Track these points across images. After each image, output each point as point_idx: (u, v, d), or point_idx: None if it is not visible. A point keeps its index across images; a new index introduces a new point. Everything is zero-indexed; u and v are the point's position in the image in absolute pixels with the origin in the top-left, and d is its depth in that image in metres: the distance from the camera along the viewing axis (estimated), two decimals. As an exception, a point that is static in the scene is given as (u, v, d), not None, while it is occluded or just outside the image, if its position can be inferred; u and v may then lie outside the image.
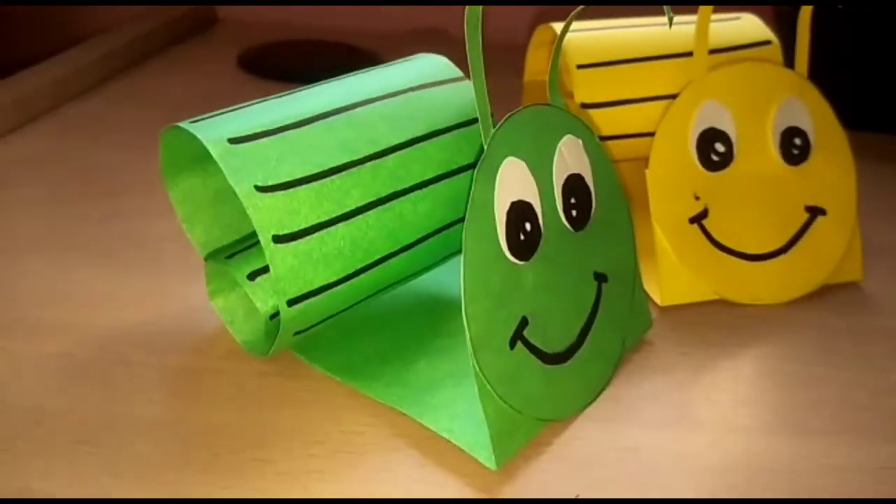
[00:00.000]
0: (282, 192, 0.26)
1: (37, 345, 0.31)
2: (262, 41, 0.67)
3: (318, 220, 0.27)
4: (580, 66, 0.39)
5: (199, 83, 0.60)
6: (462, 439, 0.26)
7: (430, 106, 0.30)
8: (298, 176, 0.27)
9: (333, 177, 0.27)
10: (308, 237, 0.26)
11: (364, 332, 0.32)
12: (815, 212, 0.37)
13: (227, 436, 0.27)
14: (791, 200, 0.37)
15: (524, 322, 0.27)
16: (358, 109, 0.29)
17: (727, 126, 0.36)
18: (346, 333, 0.31)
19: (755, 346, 0.33)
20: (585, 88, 0.39)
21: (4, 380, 0.29)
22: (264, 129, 0.27)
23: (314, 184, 0.27)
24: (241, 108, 0.28)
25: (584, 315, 0.29)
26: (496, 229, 0.26)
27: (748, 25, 0.42)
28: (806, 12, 0.37)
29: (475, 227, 0.25)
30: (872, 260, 0.39)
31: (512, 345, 0.26)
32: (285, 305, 0.26)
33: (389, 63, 0.33)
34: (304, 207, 0.26)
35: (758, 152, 0.36)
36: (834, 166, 0.38)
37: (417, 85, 0.31)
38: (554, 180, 0.28)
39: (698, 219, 0.36)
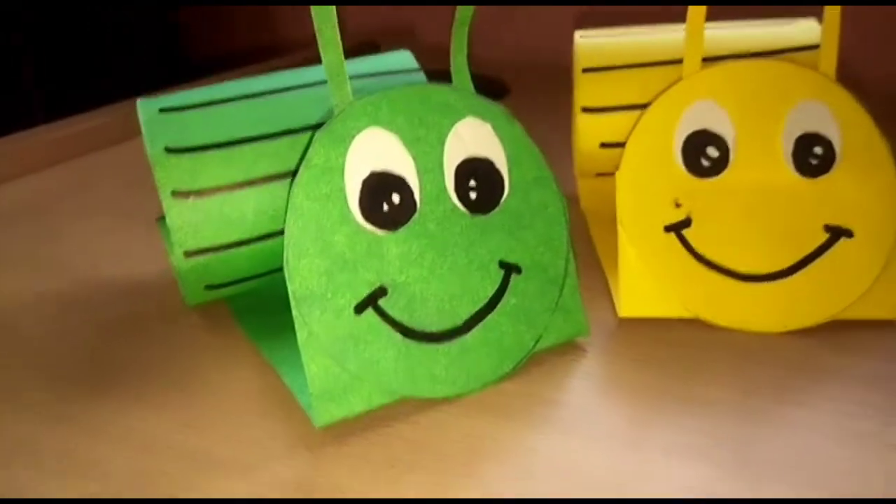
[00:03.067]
0: (188, 155, 0.29)
1: (46, 284, 0.37)
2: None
3: (221, 183, 0.29)
4: (585, 70, 0.37)
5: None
6: (302, 394, 0.27)
7: (368, 91, 0.32)
8: (208, 142, 0.30)
9: (244, 146, 0.30)
10: (208, 196, 0.29)
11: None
12: (837, 232, 0.32)
13: (129, 370, 0.30)
14: (805, 217, 0.32)
15: (381, 291, 0.27)
16: (293, 92, 0.32)
17: (724, 129, 0.33)
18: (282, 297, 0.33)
19: (703, 372, 0.29)
20: (586, 92, 0.37)
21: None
22: (197, 102, 0.31)
23: (222, 150, 0.30)
24: (201, 88, 0.32)
25: (478, 301, 0.28)
26: (344, 194, 0.26)
27: (795, 30, 0.37)
28: (833, 11, 0.32)
29: (310, 187, 0.26)
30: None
31: (359, 310, 0.26)
32: (181, 256, 0.29)
33: (359, 58, 0.35)
34: (208, 169, 0.29)
35: (762, 160, 0.32)
36: (868, 182, 0.32)
37: (367, 73, 0.33)
38: (445, 159, 0.28)
39: (678, 227, 0.32)
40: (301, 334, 0.26)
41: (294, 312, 0.25)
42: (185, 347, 0.31)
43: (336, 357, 0.26)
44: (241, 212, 0.30)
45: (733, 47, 0.36)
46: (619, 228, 0.33)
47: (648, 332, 0.32)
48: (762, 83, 0.33)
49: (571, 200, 0.31)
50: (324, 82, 0.32)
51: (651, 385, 0.29)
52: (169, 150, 0.29)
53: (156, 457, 0.26)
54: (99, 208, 0.46)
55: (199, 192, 0.29)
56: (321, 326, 0.26)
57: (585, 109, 0.37)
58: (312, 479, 0.24)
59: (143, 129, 0.30)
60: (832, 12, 0.32)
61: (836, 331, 0.31)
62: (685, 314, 0.32)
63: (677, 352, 0.30)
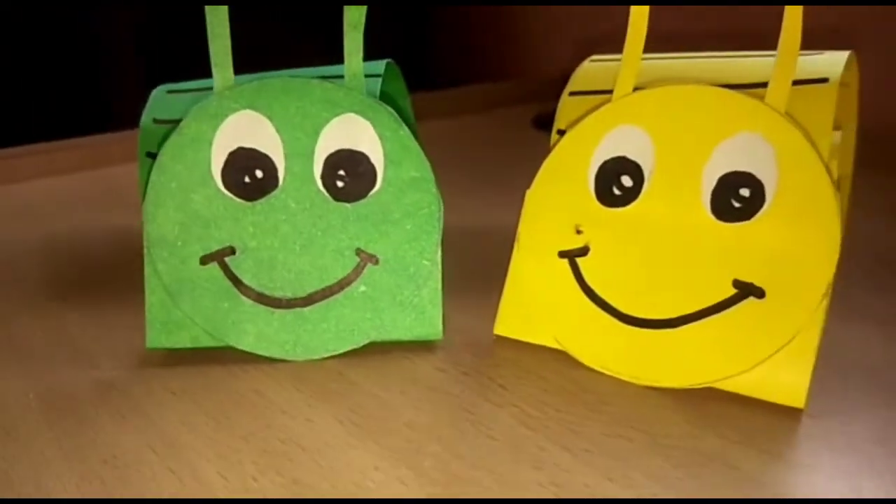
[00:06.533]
0: (169, 126, 0.36)
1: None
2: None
3: (186, 150, 0.36)
4: (572, 94, 0.36)
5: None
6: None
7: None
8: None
9: (211, 123, 0.36)
10: (174, 160, 0.36)
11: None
12: (746, 290, 0.27)
13: (102, 293, 0.38)
14: (711, 266, 0.28)
15: (230, 250, 0.31)
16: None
17: (643, 158, 0.30)
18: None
19: (512, 400, 0.27)
20: (564, 115, 0.36)
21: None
22: (199, 87, 0.38)
23: (193, 125, 0.36)
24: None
25: (325, 281, 0.31)
26: (210, 162, 0.31)
27: (810, 61, 0.32)
28: (790, 35, 0.27)
29: (176, 151, 0.31)
30: (847, 382, 0.26)
31: (204, 262, 0.30)
32: (148, 205, 0.36)
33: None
34: (179, 139, 0.36)
35: (675, 195, 0.29)
36: (798, 238, 0.27)
37: (336, 75, 0.37)
38: (317, 148, 0.31)
39: (572, 255, 0.30)
40: (147, 269, 0.31)
41: (145, 250, 0.31)
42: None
43: (173, 296, 0.30)
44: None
45: (730, 79, 0.32)
46: (515, 246, 0.32)
47: (508, 354, 0.30)
48: (694, 111, 0.29)
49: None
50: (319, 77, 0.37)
51: (450, 400, 0.28)
52: (156, 121, 0.37)
53: (54, 352, 0.32)
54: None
55: (168, 156, 0.36)
56: (166, 267, 0.31)
57: (561, 132, 0.36)
58: (116, 387, 0.29)
59: (147, 104, 0.37)
60: (788, 37, 0.28)
61: (707, 400, 0.27)
62: (555, 345, 0.30)
63: (514, 377, 0.29)
